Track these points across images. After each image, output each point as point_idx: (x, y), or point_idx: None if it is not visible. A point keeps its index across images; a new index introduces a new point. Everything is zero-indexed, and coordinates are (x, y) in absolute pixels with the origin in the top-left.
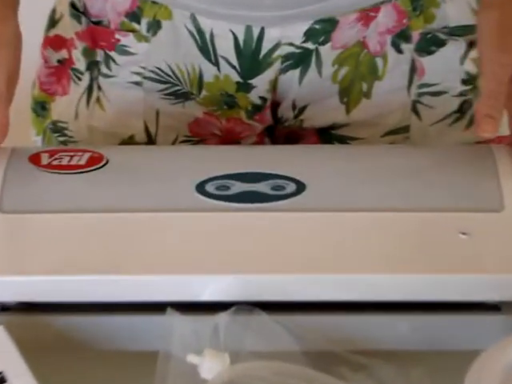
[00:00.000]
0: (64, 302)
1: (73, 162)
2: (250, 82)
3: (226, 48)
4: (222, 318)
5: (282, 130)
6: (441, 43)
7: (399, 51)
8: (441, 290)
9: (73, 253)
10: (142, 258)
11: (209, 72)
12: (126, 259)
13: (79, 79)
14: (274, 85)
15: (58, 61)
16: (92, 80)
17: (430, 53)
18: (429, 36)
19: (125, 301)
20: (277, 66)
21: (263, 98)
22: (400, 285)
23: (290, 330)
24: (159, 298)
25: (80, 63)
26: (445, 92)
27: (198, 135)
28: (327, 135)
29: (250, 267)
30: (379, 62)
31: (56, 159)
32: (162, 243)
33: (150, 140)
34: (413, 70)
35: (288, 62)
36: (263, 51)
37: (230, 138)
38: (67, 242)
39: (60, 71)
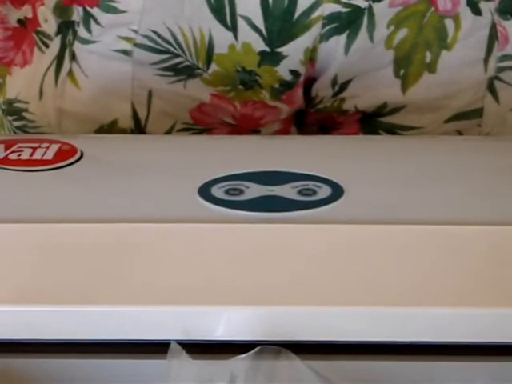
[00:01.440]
0: (28, 340)
1: (36, 156)
2: (279, 50)
3: (249, 5)
4: (240, 362)
5: (315, 115)
6: None
7: (476, 12)
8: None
9: (36, 276)
10: (130, 283)
11: (222, 39)
12: (110, 285)
13: (46, 46)
14: (311, 55)
15: (19, 20)
16: (64, 47)
17: None
18: None
19: (108, 339)
20: (316, 29)
21: (295, 73)
22: (471, 322)
23: (329, 380)
24: (155, 336)
25: (48, 24)
26: None
27: (201, 123)
28: (372, 123)
29: (275, 297)
30: (449, 24)
31: (14, 152)
32: (157, 264)
33: (138, 127)
34: (493, 36)
35: (331, 25)
36: (299, 10)
37: (245, 126)
38: (28, 261)
39: (20, 34)
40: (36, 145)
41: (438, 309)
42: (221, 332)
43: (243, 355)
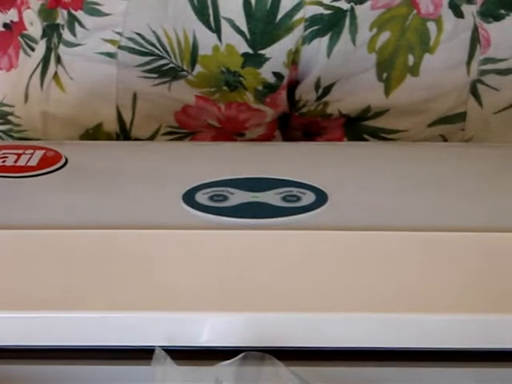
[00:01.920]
0: (13, 346)
1: (21, 163)
2: (261, 52)
3: (231, 7)
4: (225, 368)
5: (299, 119)
6: None
7: (459, 15)
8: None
9: (19, 282)
10: (115, 289)
11: (206, 40)
12: (95, 291)
13: (31, 49)
14: (293, 57)
15: (4, 24)
16: (49, 50)
17: (499, 18)
18: None
19: (93, 345)
20: (298, 31)
21: (278, 75)
22: (462, 328)
23: None
24: (140, 342)
25: (34, 28)
26: None
27: (187, 126)
28: (356, 127)
29: (259, 303)
30: (432, 27)
31: None
32: (141, 270)
33: (124, 131)
34: (475, 39)
35: (314, 28)
36: (281, 12)
37: (230, 129)
38: (12, 267)
39: (6, 38)
40: (21, 151)
41: (422, 315)
42: (205, 338)
43: (228, 361)
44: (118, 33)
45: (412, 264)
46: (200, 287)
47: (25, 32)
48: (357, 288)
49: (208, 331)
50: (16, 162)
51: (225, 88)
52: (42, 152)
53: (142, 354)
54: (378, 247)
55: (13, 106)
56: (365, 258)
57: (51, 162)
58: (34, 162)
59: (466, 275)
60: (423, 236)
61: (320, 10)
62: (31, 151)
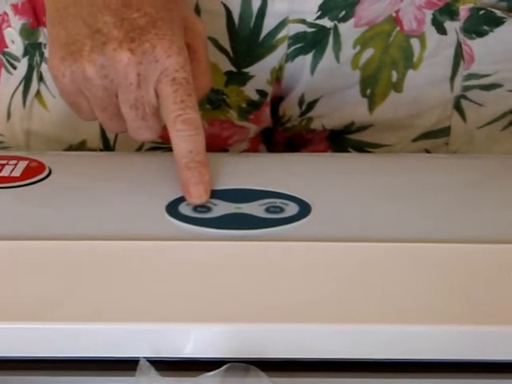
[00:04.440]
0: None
1: (4, 173)
2: (245, 70)
3: (215, 26)
4: (209, 380)
5: (283, 133)
6: (497, 22)
7: (442, 31)
8: (493, 347)
9: (3, 293)
10: (99, 300)
11: None
12: (78, 303)
13: (13, 67)
14: (277, 75)
15: None
16: (31, 68)
17: (482, 34)
18: (481, 12)
19: (77, 357)
20: (282, 49)
21: (262, 92)
22: (444, 340)
23: None
24: (124, 353)
25: (15, 46)
26: (499, 85)
27: (170, 142)
28: (341, 141)
29: (243, 314)
30: (415, 44)
31: None
32: (125, 281)
33: (107, 148)
34: (458, 55)
35: (297, 45)
36: (265, 30)
37: (213, 146)
38: None
39: None
40: (4, 161)
41: (407, 326)
42: (189, 349)
43: (212, 372)
44: None
45: (395, 275)
46: (184, 298)
47: (6, 50)
48: (340, 299)
49: (192, 342)
50: None
51: (208, 106)
52: (26, 163)
53: (126, 365)
54: (361, 258)
55: None
56: (348, 269)
57: (35, 172)
58: (17, 173)
59: (450, 286)
60: (406, 247)
61: (303, 28)
62: (15, 161)
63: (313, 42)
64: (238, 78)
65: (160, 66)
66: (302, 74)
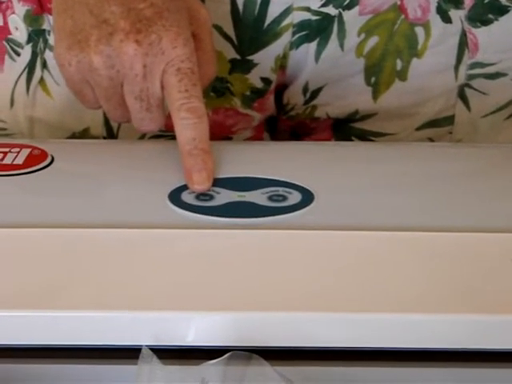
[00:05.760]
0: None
1: (7, 161)
2: (249, 58)
3: (219, 14)
4: (211, 368)
5: (287, 121)
6: (501, 10)
7: (447, 19)
8: (495, 336)
9: (4, 281)
10: (102, 288)
11: None
12: (80, 291)
13: (17, 54)
14: (281, 62)
15: None
16: (35, 55)
17: (487, 23)
18: (486, 1)
19: (79, 344)
20: (286, 37)
21: (266, 80)
22: (446, 329)
23: None
24: (126, 341)
25: (19, 32)
26: (503, 74)
27: (174, 130)
28: (344, 129)
29: (245, 303)
30: (420, 32)
31: None
32: (127, 270)
33: (111, 135)
34: (463, 44)
35: (301, 33)
36: (269, 18)
37: (217, 134)
38: None
39: None
40: (7, 149)
41: (408, 315)
42: (192, 337)
43: (214, 360)
44: None
45: (398, 264)
46: (186, 286)
47: (10, 36)
48: (343, 288)
49: (194, 330)
50: (2, 160)
51: (212, 94)
52: (29, 150)
53: (128, 354)
54: (364, 247)
55: None
56: (351, 257)
57: (37, 160)
58: (20, 161)
59: (453, 275)
60: (410, 236)
61: (308, 15)
62: (17, 149)
63: (317, 29)
64: (242, 65)
65: (166, 58)
66: (307, 61)
